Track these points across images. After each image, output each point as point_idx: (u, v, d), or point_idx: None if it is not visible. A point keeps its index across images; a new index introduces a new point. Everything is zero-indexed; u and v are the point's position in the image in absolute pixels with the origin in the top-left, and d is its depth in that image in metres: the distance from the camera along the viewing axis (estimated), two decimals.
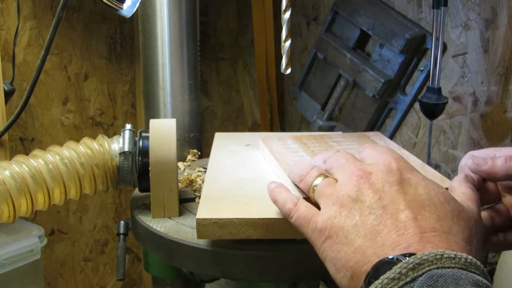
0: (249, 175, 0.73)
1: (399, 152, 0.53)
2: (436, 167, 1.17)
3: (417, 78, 1.19)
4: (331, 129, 1.37)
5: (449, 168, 1.16)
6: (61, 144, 0.74)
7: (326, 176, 0.52)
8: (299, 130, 1.56)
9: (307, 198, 0.54)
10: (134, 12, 0.88)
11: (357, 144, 0.80)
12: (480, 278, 0.39)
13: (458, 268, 0.39)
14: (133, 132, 0.76)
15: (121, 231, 0.89)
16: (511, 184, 0.57)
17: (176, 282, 0.89)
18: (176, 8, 1.01)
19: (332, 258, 0.47)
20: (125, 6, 0.87)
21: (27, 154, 0.72)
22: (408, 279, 0.39)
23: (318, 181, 0.52)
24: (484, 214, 0.56)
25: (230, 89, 1.61)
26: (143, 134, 0.75)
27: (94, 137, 0.76)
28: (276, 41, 1.41)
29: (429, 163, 1.12)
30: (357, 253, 0.44)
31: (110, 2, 0.86)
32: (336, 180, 0.51)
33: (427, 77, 1.14)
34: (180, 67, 1.03)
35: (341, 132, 0.94)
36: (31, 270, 1.05)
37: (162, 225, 0.71)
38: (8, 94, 1.14)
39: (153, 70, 1.03)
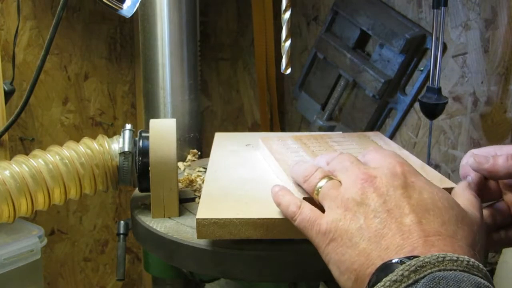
0: (249, 175, 0.73)
1: (399, 152, 0.53)
2: (436, 167, 1.17)
3: (417, 78, 1.19)
4: (331, 129, 1.37)
5: (449, 168, 1.16)
6: (61, 144, 0.74)
7: (331, 178, 0.52)
8: (299, 130, 1.56)
9: (308, 199, 0.54)
10: (134, 12, 0.88)
11: (357, 144, 0.80)
12: (482, 281, 0.39)
13: (460, 270, 0.39)
14: (133, 132, 0.76)
15: (121, 231, 0.89)
16: None
17: (176, 282, 0.89)
18: (176, 8, 1.01)
19: (336, 260, 0.47)
20: (125, 6, 0.87)
21: (27, 154, 0.72)
22: (410, 281, 0.39)
23: (323, 183, 0.52)
24: (485, 212, 0.56)
25: (230, 89, 1.61)
26: (143, 134, 0.75)
27: (94, 137, 0.76)
28: (276, 41, 1.41)
29: (429, 163, 1.12)
30: (361, 256, 0.45)
31: (110, 2, 0.86)
32: (340, 183, 0.51)
33: (427, 77, 1.14)
34: (180, 67, 1.03)
35: (341, 132, 0.94)
36: (31, 270, 1.04)
37: (162, 225, 0.71)
38: (8, 94, 1.14)
39: (153, 70, 1.03)
